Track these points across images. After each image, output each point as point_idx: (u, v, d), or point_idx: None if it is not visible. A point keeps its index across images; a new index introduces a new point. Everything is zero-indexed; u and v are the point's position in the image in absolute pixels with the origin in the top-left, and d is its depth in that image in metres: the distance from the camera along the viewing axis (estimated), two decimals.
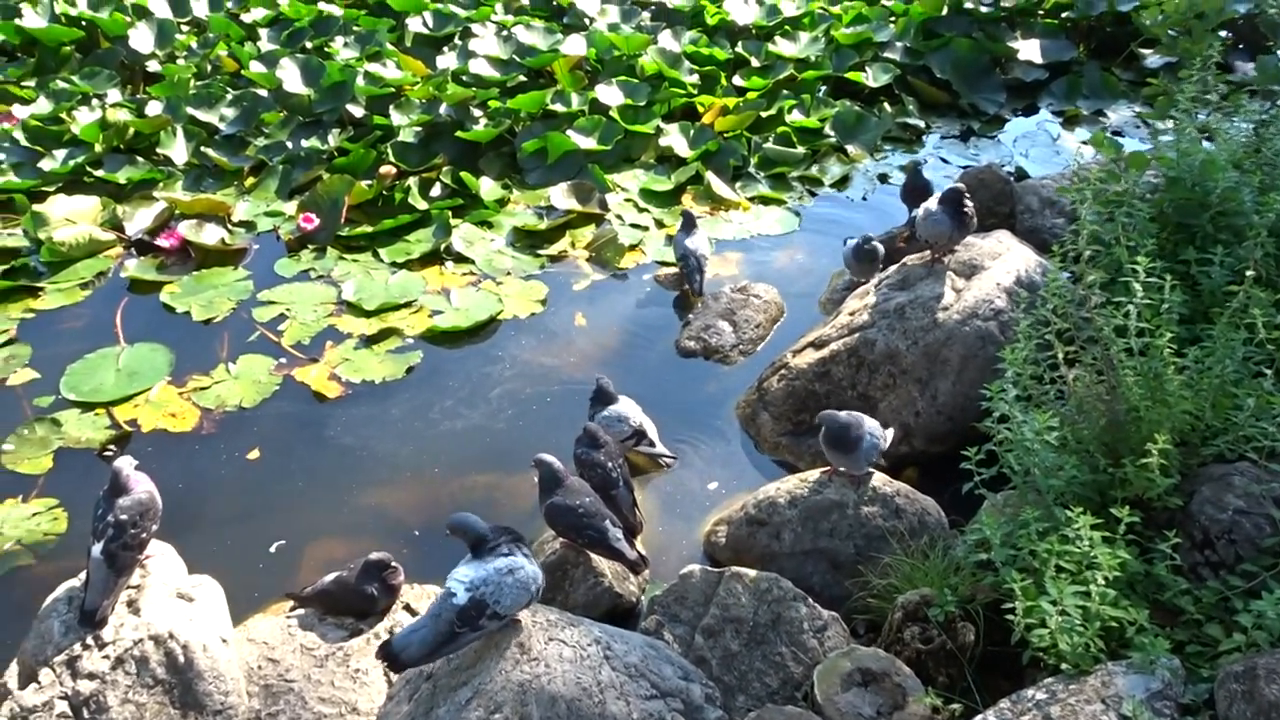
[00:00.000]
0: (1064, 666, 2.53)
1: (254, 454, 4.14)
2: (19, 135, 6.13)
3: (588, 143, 6.25)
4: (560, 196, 5.84)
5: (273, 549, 3.75)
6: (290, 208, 5.75)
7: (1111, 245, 3.67)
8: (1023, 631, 2.62)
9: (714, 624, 3.12)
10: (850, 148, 6.53)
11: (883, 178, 6.28)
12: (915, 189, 5.12)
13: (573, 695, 2.65)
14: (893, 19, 7.73)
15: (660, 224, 5.76)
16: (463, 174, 5.88)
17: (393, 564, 3.28)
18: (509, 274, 5.30)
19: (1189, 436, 3.06)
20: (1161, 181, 4.13)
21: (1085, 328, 3.29)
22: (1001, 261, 4.26)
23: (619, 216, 5.79)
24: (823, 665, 2.93)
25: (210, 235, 5.46)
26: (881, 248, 4.87)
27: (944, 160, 6.46)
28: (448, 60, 7.05)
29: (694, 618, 3.16)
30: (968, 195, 4.16)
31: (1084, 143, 6.54)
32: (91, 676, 2.86)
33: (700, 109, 6.67)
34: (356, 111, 6.51)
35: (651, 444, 4.06)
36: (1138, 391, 3.02)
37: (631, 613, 3.48)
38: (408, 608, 3.32)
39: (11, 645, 3.12)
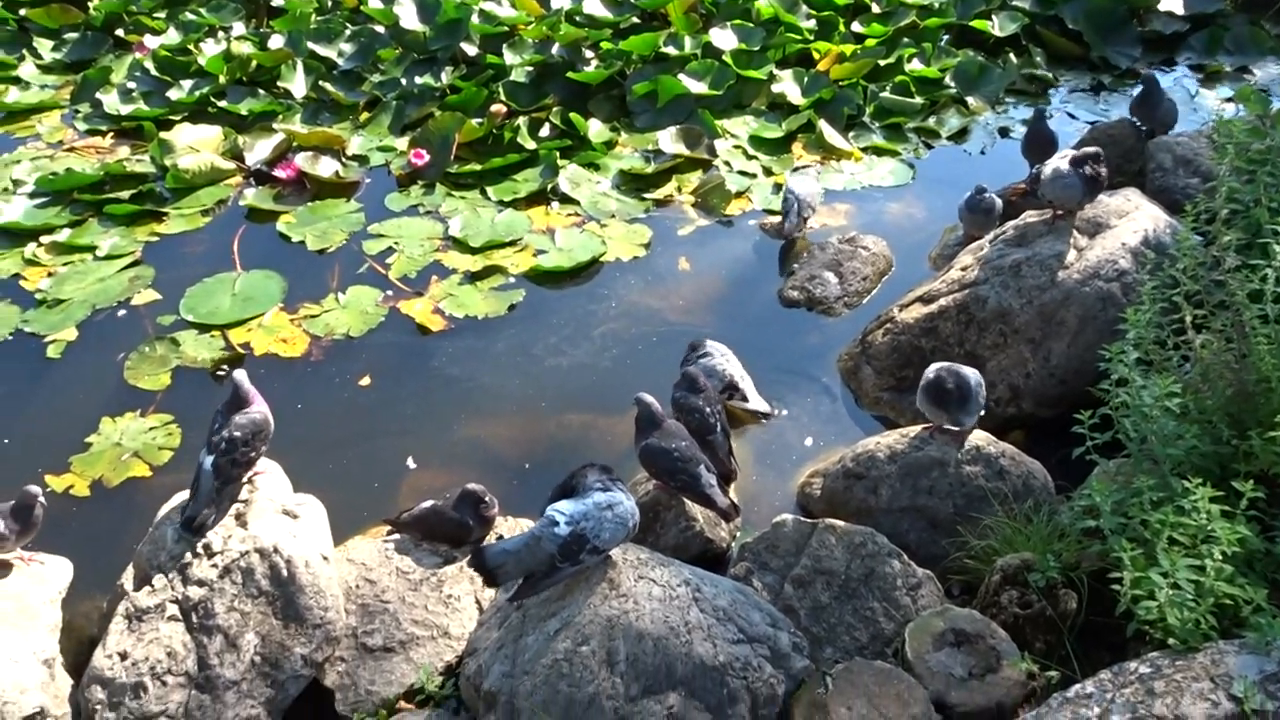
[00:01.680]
0: (1171, 641, 2.42)
1: (365, 380, 4.24)
2: (149, 65, 6.35)
3: (699, 87, 6.15)
4: (668, 141, 5.77)
5: (411, 464, 3.87)
6: (402, 143, 5.82)
7: (1250, 206, 3.45)
8: (1129, 603, 2.51)
9: (804, 574, 3.09)
10: (971, 99, 6.28)
11: (1004, 131, 6.03)
12: (1039, 140, 4.89)
13: (660, 633, 2.66)
14: None
15: (769, 171, 5.65)
16: (572, 115, 5.85)
17: (487, 497, 3.32)
18: (613, 216, 5.28)
19: None
20: None
21: (1216, 291, 3.11)
22: (1129, 220, 4.05)
23: (727, 163, 5.70)
24: (915, 623, 2.88)
25: (325, 168, 5.57)
26: (999, 201, 4.68)
27: (1071, 115, 6.16)
28: (562, 0, 7.00)
29: (784, 567, 3.13)
30: (1103, 159, 3.94)
31: (1227, 99, 6.15)
32: (200, 583, 2.99)
33: (816, 56, 6.49)
34: (470, 50, 6.52)
35: (745, 398, 4.00)
36: (1270, 361, 2.84)
37: (721, 559, 3.46)
38: (500, 539, 3.37)
39: (128, 549, 3.28)
